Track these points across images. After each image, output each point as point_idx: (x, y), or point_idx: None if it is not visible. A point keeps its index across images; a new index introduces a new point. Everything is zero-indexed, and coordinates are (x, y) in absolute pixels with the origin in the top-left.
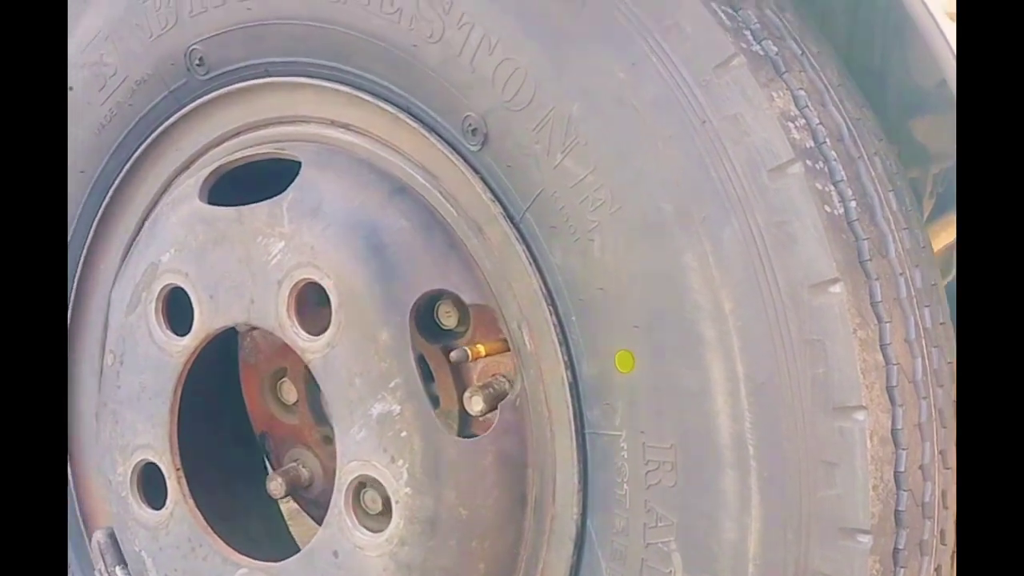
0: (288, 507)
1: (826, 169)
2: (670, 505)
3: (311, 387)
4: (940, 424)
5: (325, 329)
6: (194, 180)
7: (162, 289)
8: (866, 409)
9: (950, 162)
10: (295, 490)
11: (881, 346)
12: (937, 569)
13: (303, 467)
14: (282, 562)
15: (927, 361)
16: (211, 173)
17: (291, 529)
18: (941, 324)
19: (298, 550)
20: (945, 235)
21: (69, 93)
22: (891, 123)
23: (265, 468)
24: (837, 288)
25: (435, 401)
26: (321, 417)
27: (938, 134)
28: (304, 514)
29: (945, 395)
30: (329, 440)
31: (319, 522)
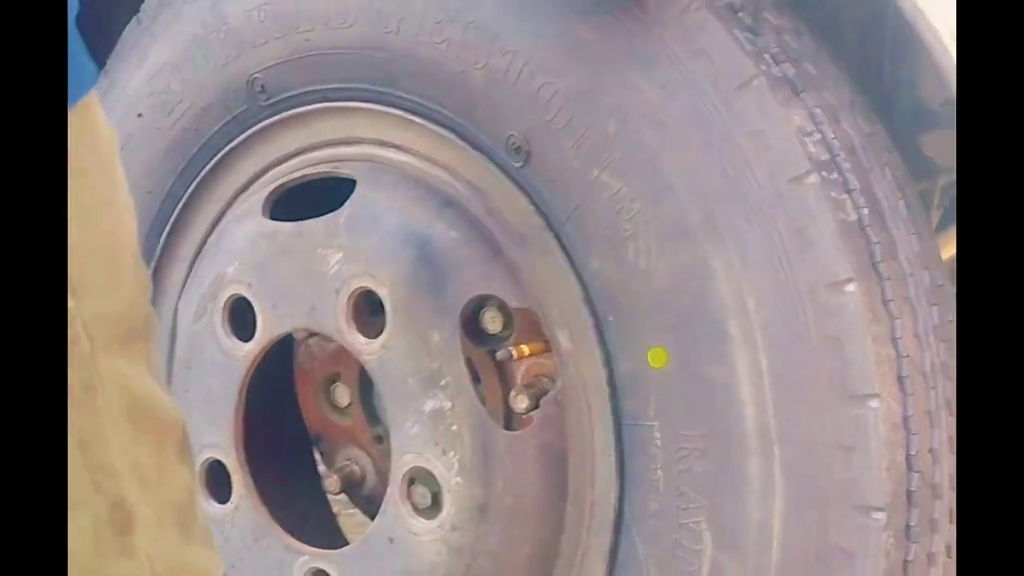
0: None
1: (840, 179)
2: (701, 488)
3: (363, 390)
4: (948, 412)
5: (379, 334)
6: (256, 197)
7: (227, 299)
8: (879, 397)
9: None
10: (349, 487)
11: (893, 340)
12: (948, 546)
13: (356, 465)
14: (341, 549)
15: (935, 354)
16: (272, 191)
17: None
18: (949, 321)
19: (347, 542)
20: (953, 244)
21: (138, 119)
22: (900, 139)
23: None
24: (852, 287)
25: (481, 401)
26: (372, 418)
27: (944, 149)
28: (345, 515)
29: (952, 385)
30: (380, 439)
31: (370, 516)
